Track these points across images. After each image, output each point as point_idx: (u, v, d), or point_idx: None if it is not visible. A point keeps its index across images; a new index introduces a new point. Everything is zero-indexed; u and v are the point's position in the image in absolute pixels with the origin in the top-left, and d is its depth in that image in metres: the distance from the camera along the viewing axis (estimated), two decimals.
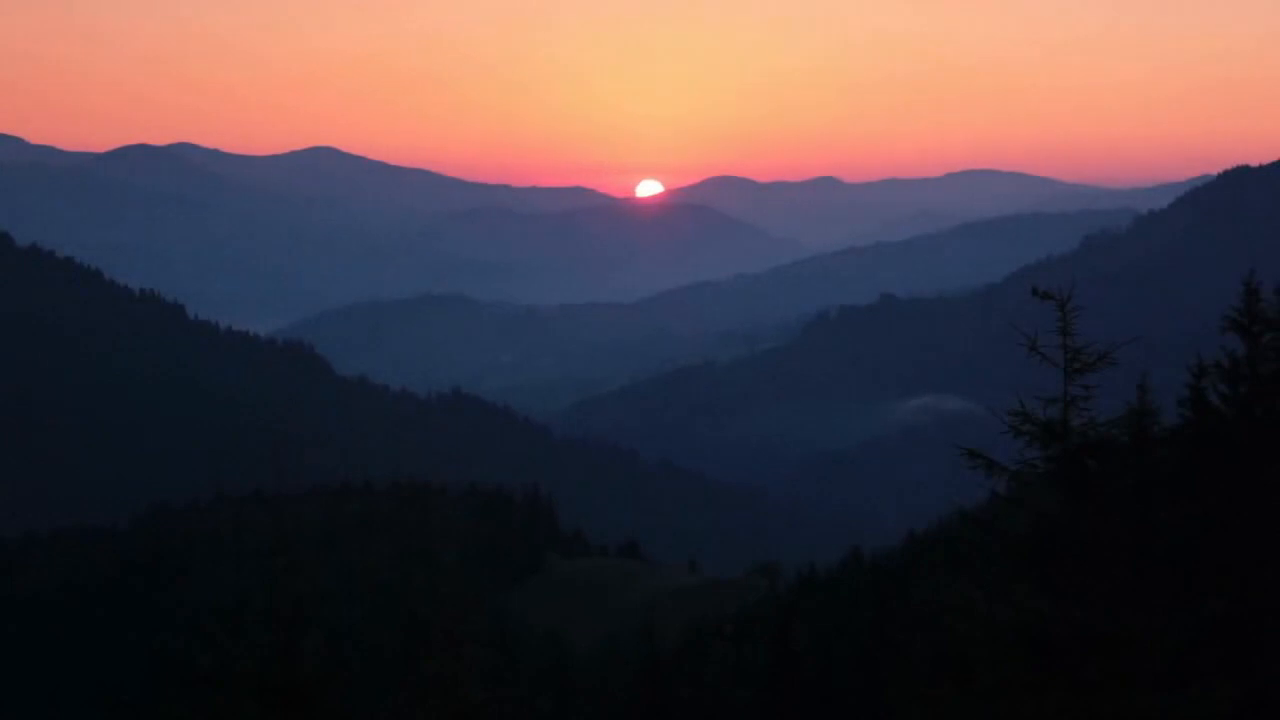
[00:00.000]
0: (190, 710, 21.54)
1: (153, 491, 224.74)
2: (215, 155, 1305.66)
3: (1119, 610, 18.38)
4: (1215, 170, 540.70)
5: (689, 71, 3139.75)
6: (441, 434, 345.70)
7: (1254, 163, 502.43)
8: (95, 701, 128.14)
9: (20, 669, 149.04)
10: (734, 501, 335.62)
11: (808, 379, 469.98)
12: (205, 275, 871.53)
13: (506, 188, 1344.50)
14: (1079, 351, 19.24)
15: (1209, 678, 18.52)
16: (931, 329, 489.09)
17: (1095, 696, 18.29)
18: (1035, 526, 18.82)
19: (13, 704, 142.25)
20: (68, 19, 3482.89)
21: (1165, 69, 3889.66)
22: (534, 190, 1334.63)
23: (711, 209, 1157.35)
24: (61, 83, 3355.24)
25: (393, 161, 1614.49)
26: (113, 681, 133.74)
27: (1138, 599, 18.61)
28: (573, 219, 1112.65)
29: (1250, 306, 34.60)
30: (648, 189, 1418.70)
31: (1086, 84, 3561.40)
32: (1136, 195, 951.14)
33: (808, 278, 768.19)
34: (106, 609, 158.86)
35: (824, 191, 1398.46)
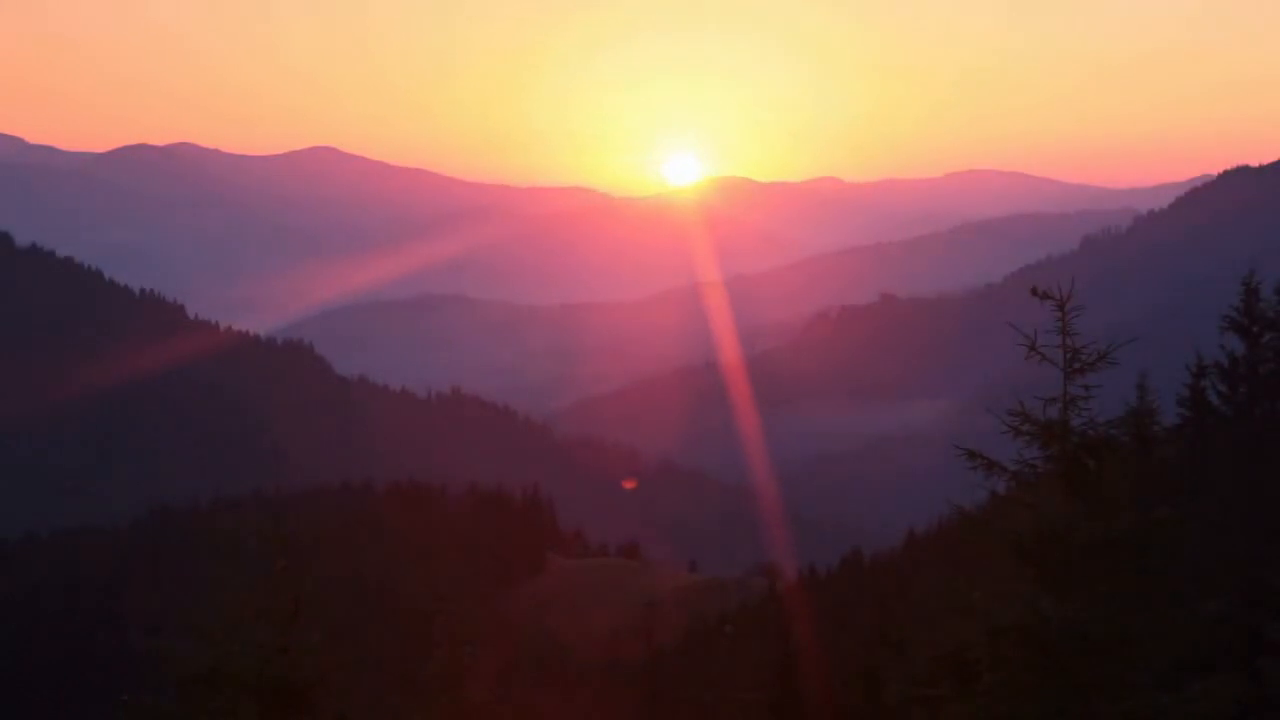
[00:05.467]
0: (189, 710, 21.51)
1: (153, 491, 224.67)
2: (215, 155, 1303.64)
3: (1119, 610, 18.37)
4: (1215, 170, 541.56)
5: (688, 71, 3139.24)
6: (441, 434, 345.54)
7: (1254, 163, 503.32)
8: (95, 702, 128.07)
9: (19, 669, 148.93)
10: (734, 501, 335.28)
11: (808, 379, 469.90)
12: (205, 275, 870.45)
13: (506, 187, 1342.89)
14: (1079, 351, 19.23)
15: (1209, 678, 18.51)
16: (931, 329, 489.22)
17: (1095, 696, 18.29)
18: (1035, 526, 18.81)
19: (12, 704, 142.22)
20: (68, 19, 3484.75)
21: (1165, 69, 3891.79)
22: (534, 190, 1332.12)
23: (711, 209, 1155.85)
24: (61, 83, 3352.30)
25: (393, 161, 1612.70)
26: (112, 682, 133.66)
27: (1138, 599, 18.59)
28: (573, 219, 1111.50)
29: (1250, 306, 34.65)
30: (648, 188, 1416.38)
31: (1087, 84, 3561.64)
32: (1136, 195, 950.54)
33: (808, 278, 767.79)
34: (106, 609, 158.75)
35: (824, 191, 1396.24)
